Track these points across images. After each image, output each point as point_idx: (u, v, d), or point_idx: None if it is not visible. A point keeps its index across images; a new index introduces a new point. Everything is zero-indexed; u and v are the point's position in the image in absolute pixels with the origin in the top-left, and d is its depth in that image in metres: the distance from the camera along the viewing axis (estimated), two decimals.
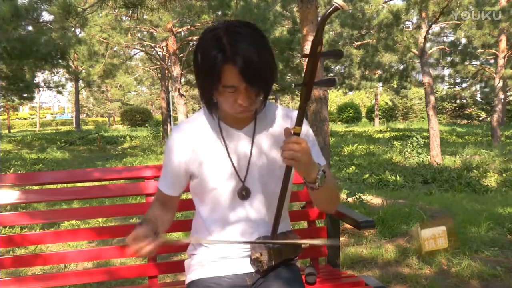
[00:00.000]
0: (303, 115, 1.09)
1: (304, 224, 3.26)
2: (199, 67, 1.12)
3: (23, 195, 1.67)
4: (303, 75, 1.09)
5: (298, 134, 1.08)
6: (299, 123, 1.09)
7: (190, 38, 12.65)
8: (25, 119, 46.02)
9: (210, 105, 1.20)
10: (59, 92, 18.49)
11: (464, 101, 27.21)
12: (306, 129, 1.27)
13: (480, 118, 27.69)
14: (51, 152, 13.40)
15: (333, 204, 1.32)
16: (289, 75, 13.07)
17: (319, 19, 0.99)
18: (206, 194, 1.28)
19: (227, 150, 1.25)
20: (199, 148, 1.25)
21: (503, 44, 13.35)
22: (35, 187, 2.18)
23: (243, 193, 1.25)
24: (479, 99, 25.59)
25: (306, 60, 1.04)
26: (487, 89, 18.53)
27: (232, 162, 1.25)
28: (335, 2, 0.93)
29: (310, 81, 1.05)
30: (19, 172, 8.87)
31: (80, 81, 18.17)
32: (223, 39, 1.06)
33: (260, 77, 1.08)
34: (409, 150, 10.17)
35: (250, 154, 1.25)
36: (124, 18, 12.97)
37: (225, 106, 1.17)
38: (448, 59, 15.34)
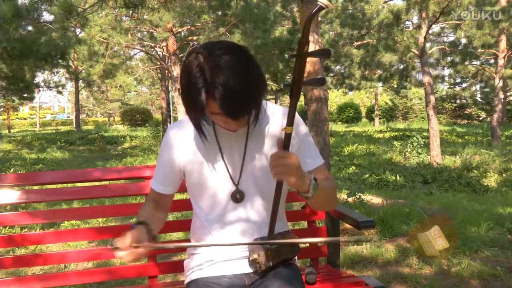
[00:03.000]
0: (294, 114, 1.09)
1: (304, 224, 3.26)
2: (185, 93, 1.08)
3: (23, 195, 1.67)
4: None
5: (289, 134, 1.08)
6: (290, 123, 1.08)
7: (190, 38, 12.65)
8: (25, 119, 46.01)
9: (197, 122, 1.14)
10: (59, 92, 18.46)
11: (464, 101, 27.20)
12: (301, 128, 1.27)
13: (480, 118, 27.66)
14: (51, 152, 13.40)
15: (330, 206, 1.32)
16: (289, 75, 13.07)
17: (305, 19, 1.00)
18: (203, 194, 1.27)
19: (221, 152, 1.24)
20: (197, 148, 1.25)
21: (503, 44, 13.35)
22: (35, 187, 2.19)
23: (237, 196, 1.25)
24: (479, 99, 25.56)
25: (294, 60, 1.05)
26: (487, 89, 18.52)
27: (226, 165, 1.24)
28: (320, 2, 0.95)
29: (298, 80, 1.06)
30: (19, 172, 8.87)
31: (80, 81, 18.16)
32: (205, 71, 1.01)
33: (243, 108, 1.05)
34: (409, 150, 10.16)
35: (244, 156, 1.23)
36: (124, 18, 12.97)
37: (216, 122, 1.16)
38: (448, 59, 15.35)
